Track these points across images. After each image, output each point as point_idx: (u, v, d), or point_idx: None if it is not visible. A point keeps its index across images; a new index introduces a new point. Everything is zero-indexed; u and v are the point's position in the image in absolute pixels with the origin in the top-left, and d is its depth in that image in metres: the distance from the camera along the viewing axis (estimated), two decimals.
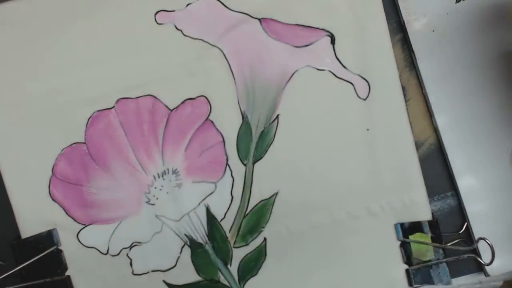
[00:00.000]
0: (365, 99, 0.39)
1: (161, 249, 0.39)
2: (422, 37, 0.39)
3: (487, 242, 0.38)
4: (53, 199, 0.38)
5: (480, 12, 0.39)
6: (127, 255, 0.39)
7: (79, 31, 0.38)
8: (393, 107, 0.38)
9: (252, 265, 0.39)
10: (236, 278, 0.39)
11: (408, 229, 0.39)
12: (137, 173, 0.38)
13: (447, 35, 0.39)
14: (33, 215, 0.38)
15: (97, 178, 0.38)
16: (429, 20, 0.39)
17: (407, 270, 0.39)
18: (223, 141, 0.39)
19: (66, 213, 0.39)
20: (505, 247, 0.39)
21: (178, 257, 0.39)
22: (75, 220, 0.39)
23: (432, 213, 0.39)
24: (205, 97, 0.38)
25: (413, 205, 0.39)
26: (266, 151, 0.39)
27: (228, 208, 0.39)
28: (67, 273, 0.39)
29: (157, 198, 0.39)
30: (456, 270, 0.40)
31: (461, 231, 0.40)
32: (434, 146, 0.40)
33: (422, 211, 0.39)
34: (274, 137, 0.39)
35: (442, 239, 0.39)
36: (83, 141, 0.38)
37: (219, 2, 0.38)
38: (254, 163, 0.39)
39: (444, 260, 0.39)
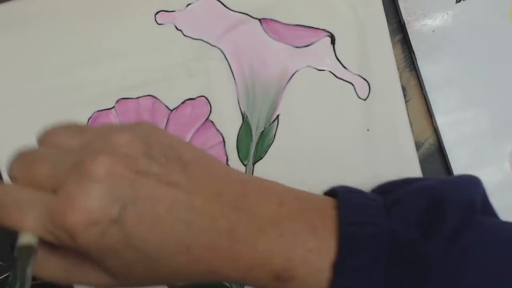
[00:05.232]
0: (365, 99, 0.39)
1: None
2: (422, 37, 0.39)
3: None
4: None
5: (480, 12, 0.39)
6: None
7: (79, 31, 0.38)
8: (393, 107, 0.38)
9: None
10: None
11: None
12: None
13: (447, 35, 0.39)
14: None
15: None
16: (429, 20, 0.39)
17: None
18: (223, 141, 0.39)
19: None
20: None
21: None
22: None
23: None
24: (205, 97, 0.38)
25: None
26: (266, 152, 0.39)
27: None
28: None
29: None
30: None
31: None
32: (434, 146, 0.40)
33: None
34: (274, 138, 0.39)
35: None
36: None
37: (219, 3, 0.38)
38: (254, 163, 0.39)
39: None
